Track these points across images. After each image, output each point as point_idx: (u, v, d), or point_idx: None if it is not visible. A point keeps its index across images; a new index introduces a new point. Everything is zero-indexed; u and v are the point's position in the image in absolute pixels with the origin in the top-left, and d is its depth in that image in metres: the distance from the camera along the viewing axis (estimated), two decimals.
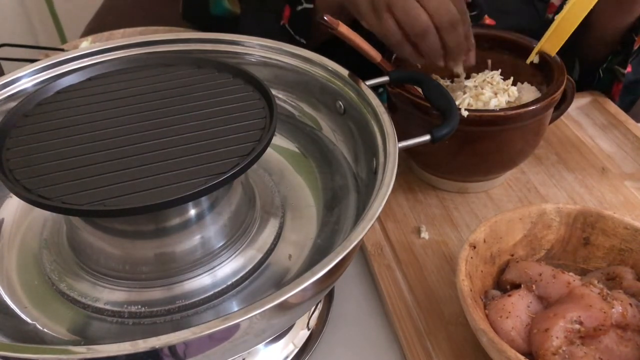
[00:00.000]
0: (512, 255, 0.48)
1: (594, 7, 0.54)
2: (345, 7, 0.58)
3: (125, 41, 0.52)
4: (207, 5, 0.78)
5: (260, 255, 0.43)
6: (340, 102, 0.49)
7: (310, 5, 0.66)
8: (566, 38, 0.56)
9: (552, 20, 0.57)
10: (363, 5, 0.54)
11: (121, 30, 0.84)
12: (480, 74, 0.60)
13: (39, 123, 0.41)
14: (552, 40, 0.57)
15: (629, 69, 0.69)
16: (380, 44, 0.56)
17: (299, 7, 0.66)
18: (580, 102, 0.73)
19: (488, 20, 0.72)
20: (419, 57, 0.54)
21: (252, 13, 0.69)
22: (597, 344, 0.41)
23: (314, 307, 0.48)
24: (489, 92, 0.56)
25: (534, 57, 0.59)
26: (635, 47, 0.67)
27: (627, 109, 0.76)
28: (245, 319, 0.31)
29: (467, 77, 0.61)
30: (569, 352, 0.40)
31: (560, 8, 0.66)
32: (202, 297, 0.40)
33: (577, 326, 0.41)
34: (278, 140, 0.53)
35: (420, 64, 0.57)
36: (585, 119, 0.71)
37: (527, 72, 0.60)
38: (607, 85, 0.73)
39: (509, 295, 0.44)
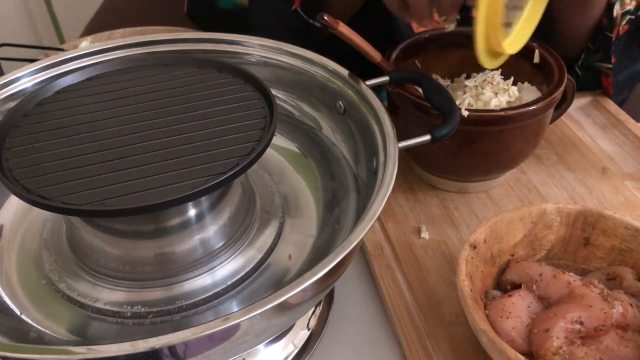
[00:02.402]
0: (513, 256, 0.48)
1: (557, 5, 0.52)
2: None
3: (125, 41, 0.52)
4: (215, 0, 0.77)
5: (260, 255, 0.43)
6: (340, 102, 0.49)
7: None
8: (499, 32, 0.50)
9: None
10: None
11: (121, 30, 0.84)
12: (480, 74, 0.60)
13: (39, 123, 0.41)
14: (490, 40, 0.50)
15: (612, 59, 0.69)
16: (381, 44, 0.56)
17: None
18: (581, 102, 0.73)
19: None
20: (408, 12, 0.53)
21: (261, 1, 0.68)
22: (598, 344, 0.41)
23: (314, 307, 0.48)
24: (489, 92, 0.56)
25: (486, 59, 0.52)
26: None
27: (621, 103, 0.76)
28: (245, 319, 0.31)
29: (468, 77, 0.61)
30: (569, 352, 0.40)
31: None
32: (202, 297, 0.40)
33: (578, 326, 0.41)
34: (278, 140, 0.53)
35: (411, 23, 0.55)
36: (585, 119, 0.71)
37: (527, 72, 0.60)
38: (594, 82, 0.73)
39: (509, 296, 0.44)
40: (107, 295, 0.40)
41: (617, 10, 0.64)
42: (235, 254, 0.42)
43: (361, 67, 0.52)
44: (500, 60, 0.55)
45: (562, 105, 0.62)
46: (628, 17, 0.66)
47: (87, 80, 0.45)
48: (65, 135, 0.39)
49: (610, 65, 0.69)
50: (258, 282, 0.42)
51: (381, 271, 0.52)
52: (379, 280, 0.51)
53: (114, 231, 0.39)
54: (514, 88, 0.57)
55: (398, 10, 0.54)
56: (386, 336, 0.48)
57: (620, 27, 0.66)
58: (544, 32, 0.56)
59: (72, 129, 0.40)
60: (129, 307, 0.39)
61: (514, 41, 0.54)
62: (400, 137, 0.42)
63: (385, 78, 0.50)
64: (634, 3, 0.65)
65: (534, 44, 0.60)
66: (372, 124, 0.44)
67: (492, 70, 0.60)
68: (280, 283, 0.42)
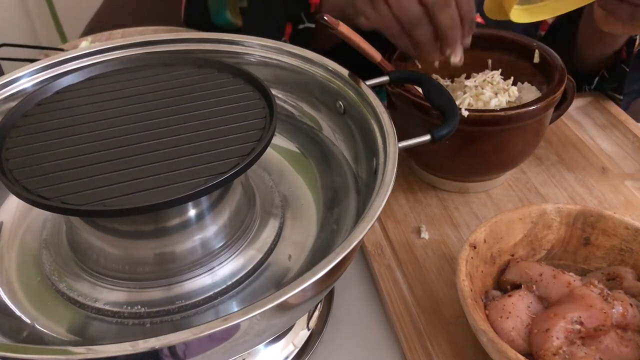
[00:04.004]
0: (513, 256, 0.48)
1: (576, 32, 0.53)
2: (346, 11, 0.58)
3: (125, 41, 0.52)
4: (209, 15, 0.78)
5: (260, 256, 0.43)
6: (340, 102, 0.49)
7: (312, 25, 0.66)
8: None
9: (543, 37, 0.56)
10: (360, 0, 0.54)
11: (121, 30, 0.84)
12: (480, 74, 0.60)
13: (39, 123, 0.41)
14: None
15: None
16: (380, 44, 0.56)
17: (301, 26, 0.67)
18: (581, 102, 0.73)
19: (479, 19, 0.72)
20: (416, 50, 0.54)
21: (253, 26, 0.71)
22: (598, 344, 0.41)
23: (314, 307, 0.48)
24: (489, 92, 0.56)
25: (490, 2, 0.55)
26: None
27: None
28: (245, 319, 0.31)
29: (468, 77, 0.61)
30: (569, 353, 0.40)
31: (553, 26, 0.67)
32: (202, 297, 0.40)
33: (578, 326, 0.41)
34: (278, 140, 0.53)
35: (417, 60, 0.57)
36: (585, 119, 0.71)
37: (527, 72, 0.60)
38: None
39: (509, 296, 0.44)
40: (107, 296, 0.40)
41: (638, 40, 0.65)
42: (235, 254, 0.42)
43: (361, 67, 0.52)
44: (497, 14, 0.55)
45: (562, 105, 0.62)
46: None
47: (87, 80, 0.45)
48: (65, 135, 0.39)
49: (622, 97, 0.71)
50: (258, 282, 0.42)
51: (381, 271, 0.52)
52: (379, 280, 0.51)
53: (114, 231, 0.39)
54: (514, 88, 0.57)
55: (406, 47, 0.54)
56: (386, 336, 0.48)
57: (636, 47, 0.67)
58: (565, 43, 0.56)
59: (72, 129, 0.40)
60: (129, 307, 0.39)
61: (522, 13, 0.55)
62: (400, 137, 0.42)
63: (385, 78, 0.50)
64: None
65: (534, 44, 0.60)
66: (372, 124, 0.44)
67: (492, 70, 0.60)
68: (280, 283, 0.42)
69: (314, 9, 0.65)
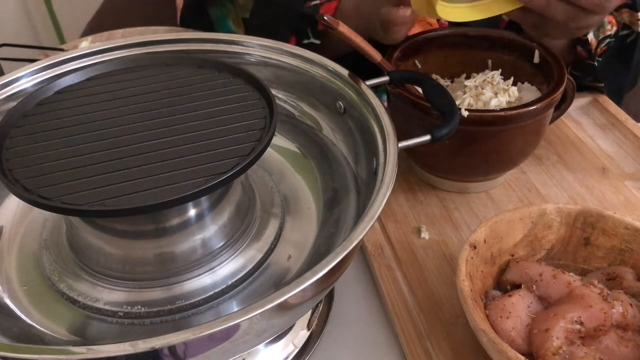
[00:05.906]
0: (513, 256, 0.48)
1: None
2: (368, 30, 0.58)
3: (125, 41, 0.52)
4: (211, 24, 0.78)
5: (260, 256, 0.43)
6: (340, 102, 0.49)
7: (317, 42, 0.66)
8: None
9: None
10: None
11: (121, 30, 0.84)
12: (480, 74, 0.60)
13: (39, 123, 0.41)
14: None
15: None
16: (380, 44, 0.56)
17: (306, 41, 0.67)
18: (581, 102, 0.73)
19: None
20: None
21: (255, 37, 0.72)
22: (598, 344, 0.41)
23: (314, 307, 0.48)
24: (489, 92, 0.56)
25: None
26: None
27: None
28: (245, 319, 0.31)
29: (468, 77, 0.61)
30: (569, 353, 0.40)
31: (508, 23, 0.67)
32: (202, 297, 0.40)
33: (578, 326, 0.41)
34: (278, 140, 0.53)
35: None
36: (585, 119, 0.71)
37: (527, 72, 0.60)
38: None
39: (510, 296, 0.44)
40: (107, 295, 0.40)
41: (591, 39, 0.65)
42: (235, 254, 0.42)
43: (361, 67, 0.52)
44: (424, 11, 0.56)
45: (562, 105, 0.62)
46: (607, 40, 0.67)
47: (87, 80, 0.45)
48: (65, 135, 0.39)
49: (603, 84, 0.72)
50: (258, 282, 0.42)
51: (381, 271, 0.52)
52: (379, 280, 0.51)
53: (114, 231, 0.39)
54: (514, 88, 0.57)
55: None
56: (386, 336, 0.48)
57: (599, 49, 0.67)
58: None
59: (72, 129, 0.40)
60: (129, 307, 0.39)
61: (449, 11, 0.55)
62: (400, 137, 0.42)
63: (385, 78, 0.50)
64: (614, 28, 0.66)
65: (534, 44, 0.60)
66: (372, 124, 0.44)
67: (492, 70, 0.60)
68: (280, 283, 0.42)
69: (322, 27, 0.65)
